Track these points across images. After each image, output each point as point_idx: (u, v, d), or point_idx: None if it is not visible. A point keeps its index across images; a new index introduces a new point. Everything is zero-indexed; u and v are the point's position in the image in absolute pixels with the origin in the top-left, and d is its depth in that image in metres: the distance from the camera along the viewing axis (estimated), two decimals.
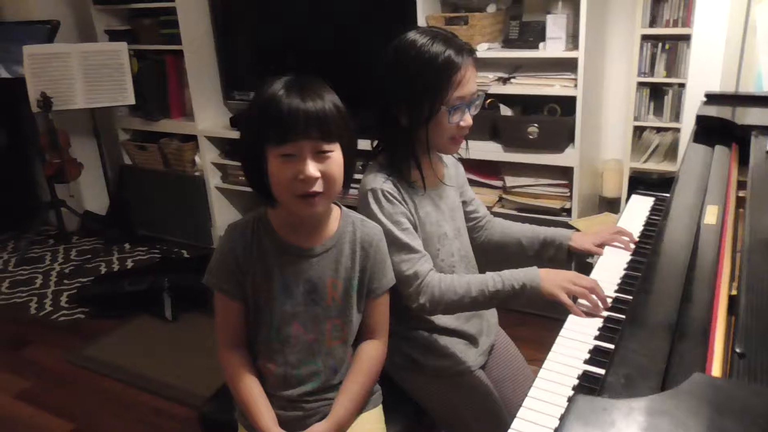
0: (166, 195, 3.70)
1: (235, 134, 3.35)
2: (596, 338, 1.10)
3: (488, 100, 2.72)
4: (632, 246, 1.46)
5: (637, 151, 2.72)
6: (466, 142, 1.43)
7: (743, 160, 1.49)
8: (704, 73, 2.26)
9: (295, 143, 1.09)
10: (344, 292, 1.24)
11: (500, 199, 2.80)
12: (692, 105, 2.05)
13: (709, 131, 1.70)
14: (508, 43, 2.73)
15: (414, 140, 1.35)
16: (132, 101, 3.43)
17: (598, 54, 2.70)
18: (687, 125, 2.36)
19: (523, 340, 1.76)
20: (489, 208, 2.72)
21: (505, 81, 2.66)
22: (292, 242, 1.22)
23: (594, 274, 1.36)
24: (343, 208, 1.28)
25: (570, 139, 2.55)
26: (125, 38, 3.49)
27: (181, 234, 3.72)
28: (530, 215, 2.64)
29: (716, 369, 0.73)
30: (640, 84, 2.63)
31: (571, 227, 2.05)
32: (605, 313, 1.17)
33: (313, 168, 1.10)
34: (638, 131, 2.70)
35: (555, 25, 2.52)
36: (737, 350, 0.69)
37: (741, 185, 1.39)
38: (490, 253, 1.62)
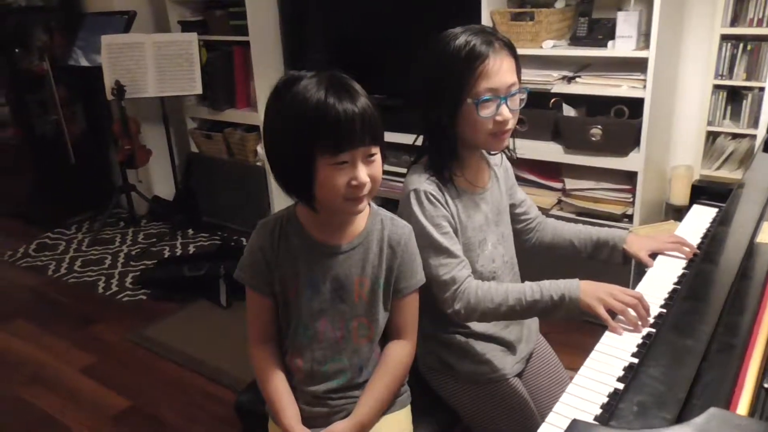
0: (229, 183, 3.78)
1: None
2: (633, 355, 1.04)
3: (552, 100, 2.64)
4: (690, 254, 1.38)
5: (709, 158, 2.59)
6: (513, 141, 1.38)
7: None
8: None
9: (350, 151, 1.08)
10: (371, 291, 1.23)
11: (559, 201, 2.71)
12: None
13: None
14: (575, 41, 2.63)
15: (455, 140, 1.31)
16: (199, 91, 3.52)
17: (672, 54, 2.57)
18: (763, 132, 2.21)
19: (567, 346, 1.70)
20: (547, 210, 2.67)
21: (569, 80, 2.57)
22: (320, 239, 1.22)
23: (641, 286, 1.30)
24: (373, 205, 1.27)
25: (635, 142, 2.44)
26: (197, 29, 3.58)
27: (242, 222, 3.81)
28: (590, 219, 2.55)
29: (743, 406, 0.67)
30: (717, 87, 2.49)
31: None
32: (646, 330, 1.11)
33: (364, 173, 1.10)
34: (711, 137, 2.56)
35: (626, 22, 2.42)
36: (765, 386, 0.63)
37: None
38: (543, 256, 1.57)
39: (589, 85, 2.51)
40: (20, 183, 4.04)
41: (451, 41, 1.24)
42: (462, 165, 1.36)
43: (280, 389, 1.22)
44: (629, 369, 1.00)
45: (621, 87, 2.43)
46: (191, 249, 3.66)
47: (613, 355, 1.06)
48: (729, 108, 2.53)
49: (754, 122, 2.43)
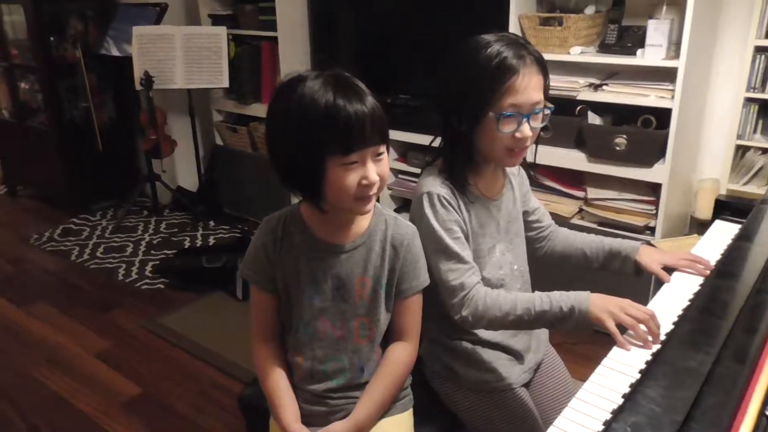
0: (252, 177, 3.80)
1: None
2: (641, 372, 1.01)
3: (578, 107, 2.60)
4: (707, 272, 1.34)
5: (737, 173, 2.52)
6: (536, 146, 1.36)
7: None
8: None
9: (360, 151, 1.08)
10: (372, 291, 1.22)
11: (580, 210, 2.67)
12: None
13: None
14: (603, 48, 2.59)
15: (472, 148, 1.30)
16: (226, 84, 3.55)
17: (703, 64, 2.51)
18: None
19: (581, 357, 1.68)
20: (567, 219, 2.63)
21: (596, 87, 2.53)
22: (323, 238, 1.21)
23: (656, 301, 1.26)
24: (377, 205, 1.26)
25: (661, 153, 2.39)
26: (226, 23, 3.61)
27: (263, 216, 3.80)
28: (611, 230, 2.51)
29: None
30: (748, 100, 2.43)
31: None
32: (656, 347, 1.08)
33: (374, 172, 1.10)
34: (740, 151, 2.50)
35: (657, 31, 2.37)
36: (767, 413, 0.60)
37: None
38: (558, 268, 1.54)
39: (615, 94, 2.47)
40: (49, 168, 4.12)
41: (483, 49, 1.21)
42: (477, 172, 1.34)
43: (280, 387, 1.22)
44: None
45: (649, 96, 2.39)
46: (211, 240, 3.69)
47: (619, 370, 1.04)
48: (760, 122, 2.46)
49: None
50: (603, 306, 1.15)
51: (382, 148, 1.12)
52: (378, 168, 1.11)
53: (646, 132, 2.44)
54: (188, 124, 3.73)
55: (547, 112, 1.28)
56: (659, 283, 1.36)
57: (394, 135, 2.94)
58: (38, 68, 3.92)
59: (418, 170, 3.08)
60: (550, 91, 1.31)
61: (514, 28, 2.64)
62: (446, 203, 1.28)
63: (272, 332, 1.26)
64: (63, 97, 3.97)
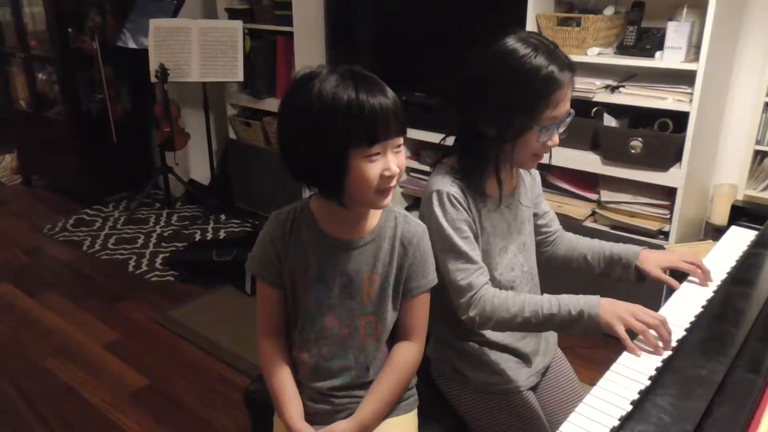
0: (265, 171, 3.80)
1: None
2: (650, 378, 0.99)
3: (594, 109, 2.57)
4: (708, 283, 1.31)
5: (755, 178, 2.48)
6: (550, 150, 1.34)
7: None
8: None
9: (383, 143, 1.08)
10: (380, 289, 1.21)
11: (593, 213, 2.65)
12: None
13: None
14: (621, 50, 2.55)
15: (494, 151, 1.28)
16: (240, 78, 3.55)
17: (723, 68, 2.47)
18: None
19: (591, 361, 1.65)
20: (580, 221, 2.60)
21: (613, 89, 2.50)
22: (332, 234, 1.20)
23: (667, 307, 1.24)
24: None
25: (677, 157, 2.36)
26: (243, 17, 3.61)
27: (275, 211, 3.83)
28: (624, 234, 2.48)
29: None
30: None
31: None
32: (666, 354, 1.06)
33: (394, 164, 1.10)
34: (759, 156, 2.46)
35: (676, 33, 2.33)
36: None
37: None
38: (557, 270, 1.52)
39: (633, 96, 2.43)
40: (64, 158, 4.14)
41: (525, 59, 1.18)
42: (492, 172, 1.32)
43: (285, 383, 1.21)
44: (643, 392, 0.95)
45: (666, 99, 2.35)
46: (222, 234, 3.70)
47: (629, 376, 1.02)
48: None
49: None
50: (613, 311, 1.13)
51: (401, 140, 1.12)
52: (397, 160, 1.12)
53: (662, 135, 2.41)
54: (202, 118, 3.73)
55: (569, 118, 1.28)
56: (671, 290, 1.34)
57: (408, 133, 2.93)
58: (56, 59, 3.94)
59: (430, 168, 3.07)
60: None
61: (531, 27, 2.62)
62: (456, 202, 1.27)
63: (278, 328, 1.25)
64: (80, 88, 3.99)
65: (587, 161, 2.56)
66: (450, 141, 1.38)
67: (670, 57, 2.35)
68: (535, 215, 1.48)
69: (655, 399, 0.74)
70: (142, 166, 4.32)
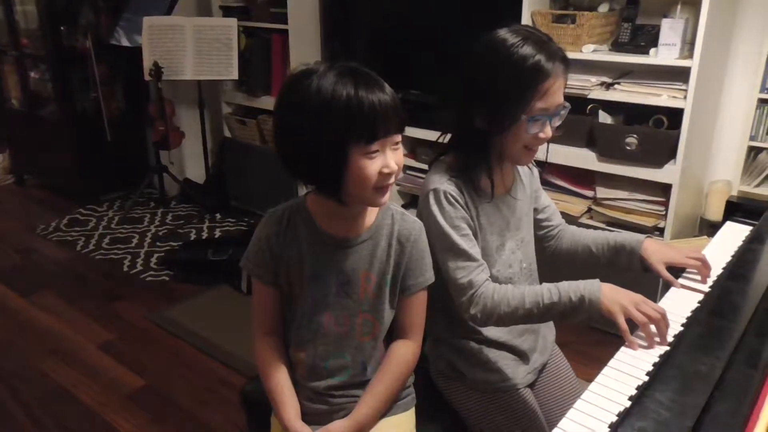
0: (260, 170, 3.79)
1: None
2: (648, 373, 0.99)
3: (589, 106, 2.57)
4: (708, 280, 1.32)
5: (749, 174, 2.49)
6: (547, 145, 1.34)
7: None
8: None
9: (382, 140, 1.08)
10: (377, 287, 1.21)
11: (589, 209, 2.65)
12: None
13: None
14: (616, 47, 2.56)
15: (488, 146, 1.28)
16: (235, 76, 3.53)
17: (717, 65, 2.48)
18: None
19: (586, 357, 1.66)
20: (576, 218, 2.60)
21: (608, 86, 2.50)
22: (329, 231, 1.20)
23: (665, 301, 1.24)
24: None
25: (672, 154, 2.36)
26: (238, 15, 3.60)
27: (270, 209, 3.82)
28: (619, 230, 2.48)
29: None
30: (762, 101, 2.40)
31: None
32: (663, 348, 1.06)
33: (393, 161, 1.10)
34: (753, 152, 2.47)
35: (671, 30, 2.34)
36: None
37: None
38: (561, 264, 1.52)
39: (628, 93, 2.44)
40: (57, 157, 4.12)
41: (513, 49, 1.18)
42: (489, 168, 1.32)
43: (281, 383, 1.21)
44: (642, 388, 0.95)
45: (661, 96, 2.36)
46: (217, 233, 3.69)
47: (626, 372, 1.02)
48: None
49: None
50: (614, 298, 1.13)
51: (399, 137, 1.12)
52: (396, 157, 1.11)
53: (657, 132, 2.41)
54: (197, 116, 3.72)
55: (564, 112, 1.27)
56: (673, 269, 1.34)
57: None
58: (49, 58, 3.92)
59: (427, 166, 3.06)
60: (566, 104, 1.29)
61: (526, 24, 2.62)
62: (453, 200, 1.26)
63: (273, 327, 1.25)
64: (73, 87, 3.97)
65: (583, 158, 2.56)
66: (447, 139, 1.37)
67: (665, 54, 2.35)
68: (536, 210, 1.48)
69: (654, 395, 0.73)
70: (137, 165, 4.29)
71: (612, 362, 1.04)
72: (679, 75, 2.33)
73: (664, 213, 2.45)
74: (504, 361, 1.36)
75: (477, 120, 1.25)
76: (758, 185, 2.46)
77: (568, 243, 1.51)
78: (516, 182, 1.40)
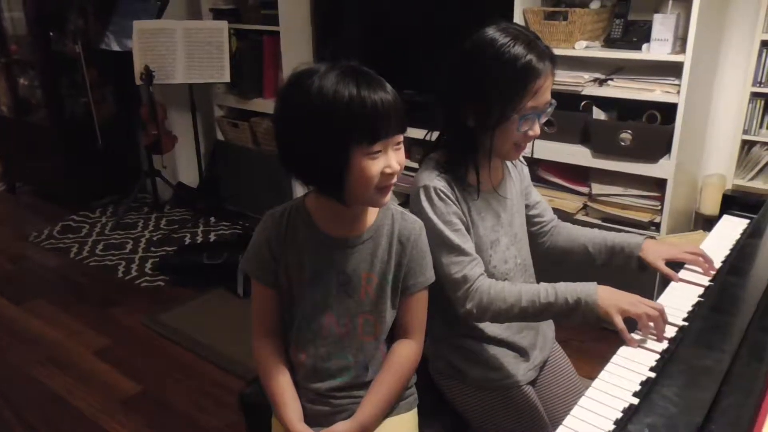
0: (254, 173, 3.78)
1: None
2: (651, 369, 0.99)
3: (582, 102, 2.57)
4: (711, 273, 1.31)
5: (743, 168, 2.50)
6: (532, 142, 1.34)
7: None
8: None
9: (384, 141, 1.07)
10: (378, 287, 1.20)
11: (584, 206, 2.65)
12: None
13: None
14: (609, 43, 2.56)
15: (477, 143, 1.28)
16: (227, 79, 3.51)
17: (709, 59, 2.48)
18: None
19: (587, 354, 1.65)
20: (572, 215, 2.60)
21: (601, 82, 2.50)
22: (329, 232, 1.19)
23: (664, 297, 1.24)
24: None
25: (666, 149, 2.36)
26: (228, 17, 3.58)
27: (265, 212, 3.77)
28: (615, 226, 2.48)
29: None
30: (755, 95, 2.41)
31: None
32: (665, 344, 1.06)
33: (395, 161, 1.10)
34: (747, 146, 2.48)
35: (662, 25, 2.34)
36: None
37: None
38: (556, 261, 1.51)
39: (621, 89, 2.44)
40: (49, 164, 4.09)
41: (504, 49, 1.18)
42: (478, 165, 1.31)
43: (282, 385, 1.19)
44: (646, 384, 0.95)
45: (654, 92, 2.36)
46: (212, 237, 3.67)
47: (630, 368, 1.01)
48: (767, 117, 2.43)
49: None
50: (611, 300, 1.13)
51: (401, 137, 1.11)
52: (397, 157, 1.11)
53: (651, 127, 2.41)
54: (189, 120, 3.69)
55: (551, 109, 1.28)
56: (665, 279, 1.34)
57: None
58: (38, 64, 3.90)
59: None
60: (556, 87, 1.29)
61: (518, 22, 2.61)
62: (444, 195, 1.26)
63: (273, 328, 1.23)
64: (63, 92, 3.95)
65: (577, 155, 2.56)
66: (436, 137, 1.37)
67: (657, 49, 2.36)
68: (527, 206, 1.48)
69: (661, 390, 0.73)
70: (129, 169, 4.25)
71: (614, 359, 1.04)
72: (672, 70, 2.33)
73: (659, 208, 2.45)
74: (504, 358, 1.36)
75: (466, 118, 1.25)
76: (752, 179, 2.47)
77: (564, 241, 1.51)
78: (506, 178, 1.40)
